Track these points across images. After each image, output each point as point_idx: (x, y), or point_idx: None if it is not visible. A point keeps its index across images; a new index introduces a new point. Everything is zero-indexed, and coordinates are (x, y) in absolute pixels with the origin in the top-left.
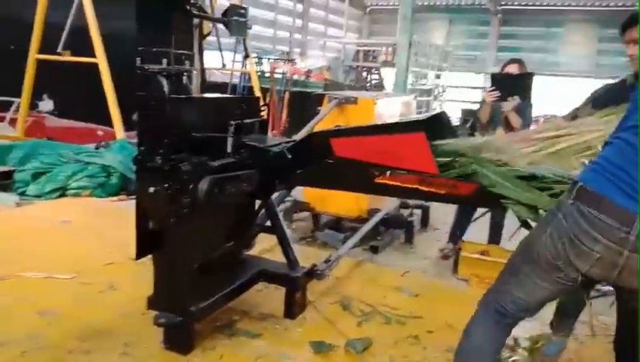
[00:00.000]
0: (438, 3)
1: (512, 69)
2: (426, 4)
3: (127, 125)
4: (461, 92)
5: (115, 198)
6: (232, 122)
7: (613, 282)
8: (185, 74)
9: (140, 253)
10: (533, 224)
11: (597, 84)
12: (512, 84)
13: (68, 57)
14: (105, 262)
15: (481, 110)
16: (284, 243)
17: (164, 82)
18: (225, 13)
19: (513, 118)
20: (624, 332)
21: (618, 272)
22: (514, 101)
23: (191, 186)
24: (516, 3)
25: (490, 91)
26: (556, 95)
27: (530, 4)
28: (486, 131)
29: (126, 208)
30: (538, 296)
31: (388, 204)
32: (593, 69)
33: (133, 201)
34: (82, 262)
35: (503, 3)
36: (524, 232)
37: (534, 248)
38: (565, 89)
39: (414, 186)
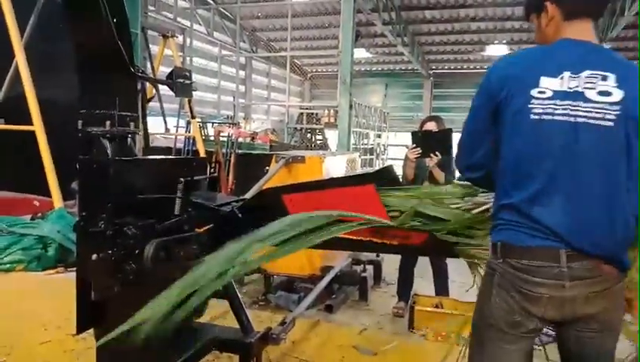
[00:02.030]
0: (374, 68)
1: (431, 126)
2: (363, 69)
3: (66, 194)
4: (401, 150)
5: (52, 271)
6: (181, 179)
7: (572, 317)
8: (129, 136)
9: (81, 328)
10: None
11: None
12: (432, 141)
13: (1, 126)
14: (40, 340)
15: (406, 167)
16: (236, 308)
17: (108, 145)
18: (170, 75)
19: (437, 173)
20: None
21: (570, 305)
22: (436, 158)
23: (136, 251)
24: (446, 67)
25: (412, 149)
26: None
27: (459, 68)
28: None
29: (64, 281)
30: None
31: (340, 261)
32: None
33: (72, 274)
34: (14, 343)
35: (434, 68)
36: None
37: (488, 314)
38: None
39: (368, 238)
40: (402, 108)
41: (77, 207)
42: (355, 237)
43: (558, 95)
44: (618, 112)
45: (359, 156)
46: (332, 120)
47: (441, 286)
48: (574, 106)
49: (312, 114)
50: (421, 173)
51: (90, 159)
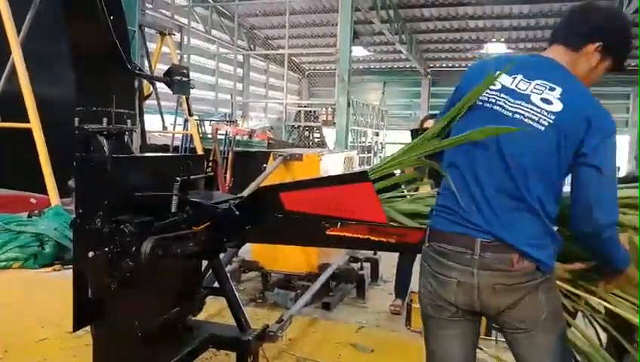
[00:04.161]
0: (372, 66)
1: (430, 124)
2: (361, 67)
3: (63, 191)
4: (398, 148)
5: (48, 269)
6: (177, 178)
7: (483, 308)
8: (126, 133)
9: (78, 325)
10: None
11: None
12: None
13: None
14: (37, 338)
15: None
16: (233, 305)
17: (105, 142)
18: (167, 73)
19: (437, 166)
20: None
21: (477, 293)
22: None
23: (133, 249)
24: (444, 65)
25: None
26: None
27: (457, 65)
28: (410, 184)
29: (61, 279)
30: (455, 349)
31: (337, 259)
32: None
33: (69, 271)
34: (11, 341)
35: (432, 65)
36: None
37: (421, 303)
38: None
39: (365, 236)
40: (400, 106)
41: (74, 204)
42: (352, 235)
43: (505, 90)
44: (552, 121)
45: (357, 154)
46: (330, 118)
47: None
48: (516, 104)
49: (310, 112)
50: (420, 170)
51: (87, 157)
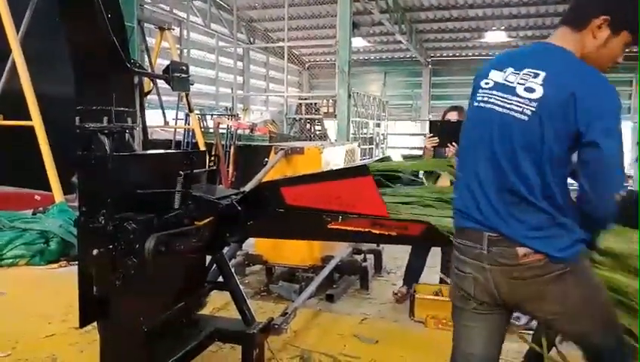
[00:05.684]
0: (372, 57)
1: (452, 116)
2: (361, 58)
3: (66, 188)
4: (401, 139)
5: (54, 265)
6: (180, 172)
7: (506, 303)
8: (127, 131)
9: (84, 321)
10: None
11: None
12: (450, 131)
13: (0, 122)
14: (45, 334)
15: (424, 156)
16: (238, 299)
17: (106, 140)
18: (166, 70)
19: (455, 163)
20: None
21: (494, 287)
22: (453, 148)
23: (137, 246)
24: (444, 55)
25: (430, 138)
26: None
27: (458, 55)
28: (430, 176)
29: (67, 275)
30: (478, 342)
31: (341, 251)
32: None
33: (75, 267)
34: (19, 337)
35: (432, 55)
36: None
37: (450, 294)
38: None
39: (367, 230)
40: (401, 96)
41: (78, 201)
42: (353, 229)
43: (497, 86)
44: (534, 109)
45: (359, 145)
46: (331, 110)
47: (447, 266)
48: (504, 98)
49: (311, 104)
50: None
51: (88, 155)
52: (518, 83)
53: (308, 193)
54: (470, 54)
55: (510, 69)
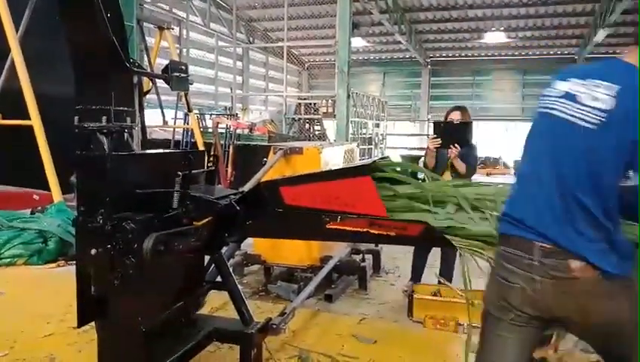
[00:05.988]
0: (372, 57)
1: (455, 116)
2: (360, 58)
3: (65, 187)
4: (400, 139)
5: (52, 265)
6: (179, 173)
7: (546, 314)
8: (126, 131)
9: (82, 321)
10: None
11: (524, 126)
12: (453, 132)
13: None
14: (43, 333)
15: (427, 156)
16: (236, 299)
17: (105, 140)
18: (165, 69)
19: (458, 164)
20: None
21: (541, 300)
22: (456, 149)
23: (135, 246)
24: (444, 55)
25: (433, 138)
26: (488, 138)
27: (457, 55)
28: (435, 170)
29: (65, 275)
30: (511, 354)
31: (339, 251)
32: (520, 113)
33: (73, 267)
34: (17, 336)
35: (431, 56)
36: None
37: (485, 300)
38: (496, 132)
39: (365, 230)
40: (400, 96)
41: (76, 200)
42: (351, 229)
43: (560, 94)
44: (603, 119)
45: (358, 146)
46: (330, 110)
47: (447, 269)
48: (567, 105)
49: (310, 104)
50: (441, 163)
51: (87, 155)
52: (583, 92)
53: (307, 193)
54: (470, 55)
55: (574, 79)
